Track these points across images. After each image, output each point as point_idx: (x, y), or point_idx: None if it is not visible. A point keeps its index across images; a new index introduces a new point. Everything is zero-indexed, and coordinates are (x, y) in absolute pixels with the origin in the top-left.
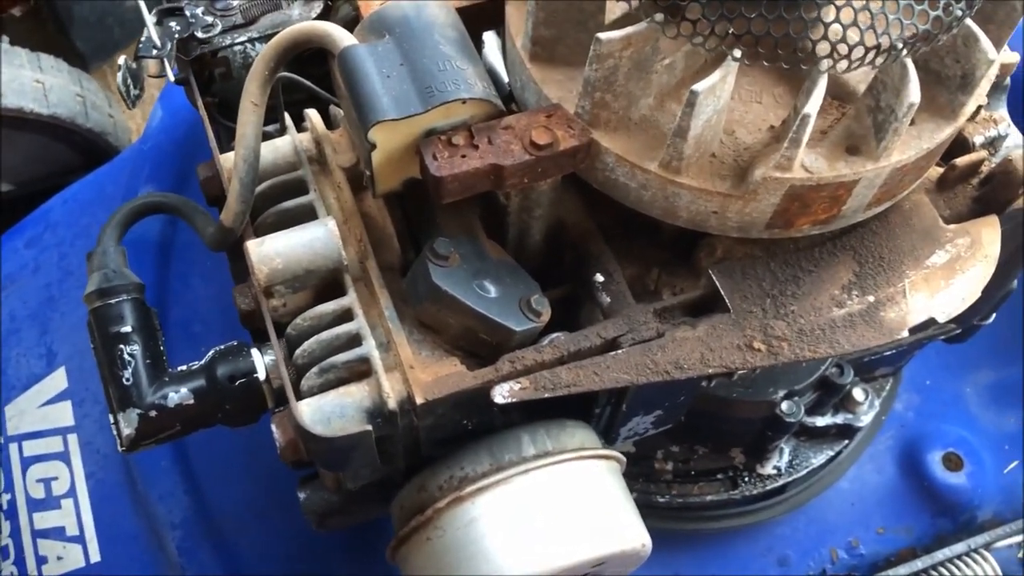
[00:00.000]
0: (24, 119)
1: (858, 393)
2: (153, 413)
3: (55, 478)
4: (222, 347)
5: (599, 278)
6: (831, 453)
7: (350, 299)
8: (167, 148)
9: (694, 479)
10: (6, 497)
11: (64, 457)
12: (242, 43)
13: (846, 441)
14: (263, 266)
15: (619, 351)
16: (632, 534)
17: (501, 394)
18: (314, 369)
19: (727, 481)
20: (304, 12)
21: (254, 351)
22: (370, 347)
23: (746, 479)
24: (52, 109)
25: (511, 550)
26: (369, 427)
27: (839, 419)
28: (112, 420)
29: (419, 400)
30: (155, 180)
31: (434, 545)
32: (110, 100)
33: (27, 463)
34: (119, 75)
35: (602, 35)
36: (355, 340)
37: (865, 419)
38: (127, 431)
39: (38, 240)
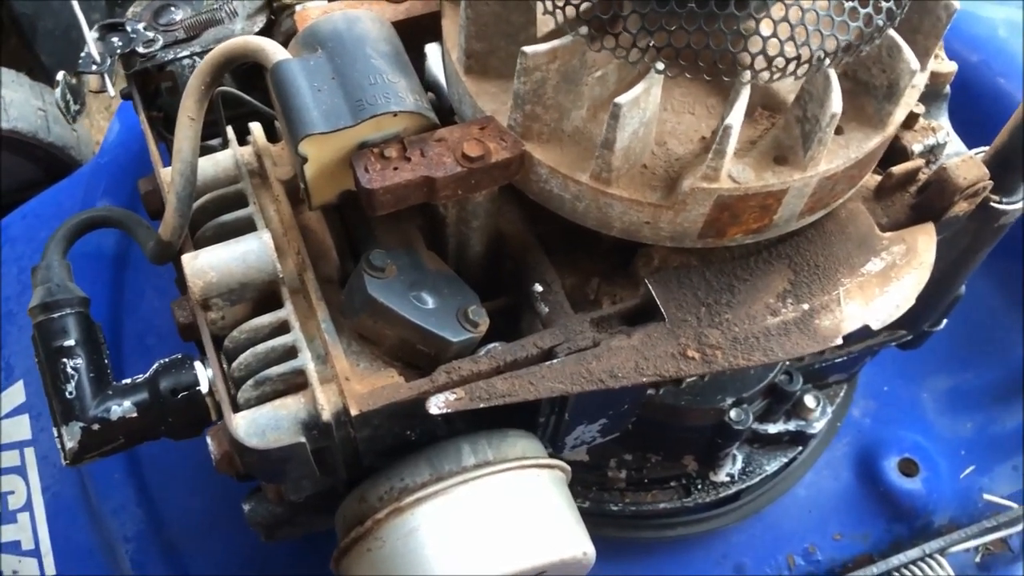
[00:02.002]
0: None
1: (809, 400)
2: (96, 427)
3: (11, 492)
4: (166, 360)
5: (538, 288)
6: (785, 460)
7: (286, 311)
8: (124, 162)
9: (647, 487)
10: None
11: (21, 471)
12: (183, 57)
13: (800, 448)
14: (197, 279)
15: (555, 360)
16: (573, 542)
17: (436, 405)
18: (250, 382)
19: (680, 489)
20: (247, 27)
21: (197, 364)
22: (306, 359)
23: (699, 486)
24: (12, 123)
25: (451, 559)
26: (302, 439)
27: (791, 426)
28: (56, 433)
29: (354, 411)
30: (111, 194)
31: (374, 556)
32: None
33: None
34: (57, 91)
35: (528, 48)
36: (291, 352)
37: (818, 426)
38: (70, 444)
39: None
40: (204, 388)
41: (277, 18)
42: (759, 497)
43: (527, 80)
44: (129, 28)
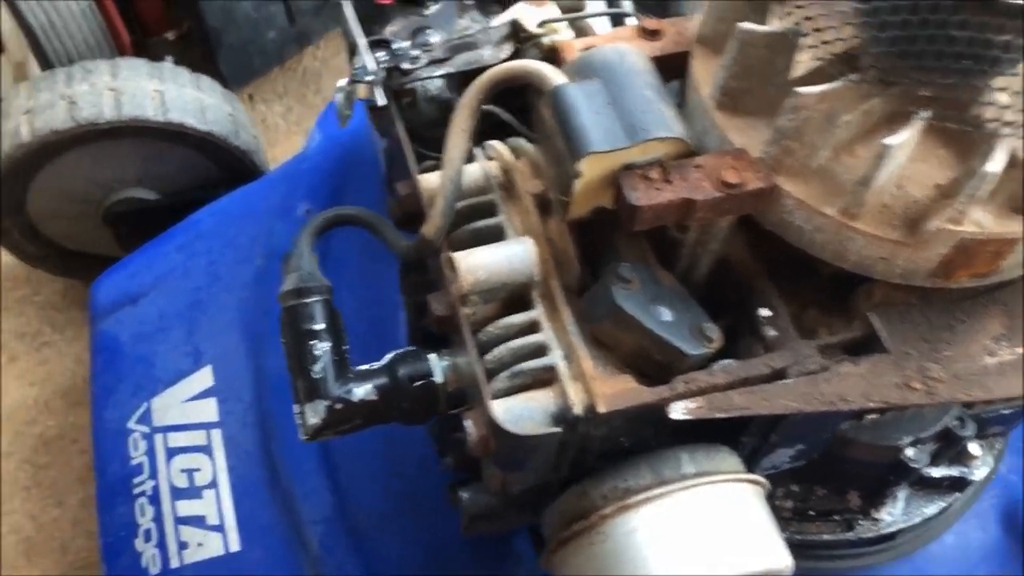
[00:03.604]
0: (184, 134)
1: (974, 447)
2: (339, 406)
3: (198, 469)
4: (400, 351)
5: (765, 313)
6: (943, 504)
7: (537, 312)
8: (324, 168)
9: (811, 519)
10: (151, 484)
11: (207, 450)
12: (438, 76)
13: (957, 494)
14: (469, 275)
15: (787, 380)
16: (779, 555)
17: (678, 411)
18: (505, 373)
19: (843, 523)
20: (495, 53)
21: (432, 356)
22: (556, 357)
23: (861, 522)
24: (209, 126)
25: (668, 560)
26: (558, 429)
27: (954, 471)
28: (297, 410)
29: (601, 409)
30: (311, 197)
31: (596, 550)
32: (254, 121)
33: (171, 453)
34: (338, 96)
35: (801, 89)
36: (541, 350)
37: (979, 473)
38: (313, 420)
39: (188, 247)
40: (439, 379)
41: (522, 47)
42: (913, 540)
43: (793, 117)
44: (395, 46)
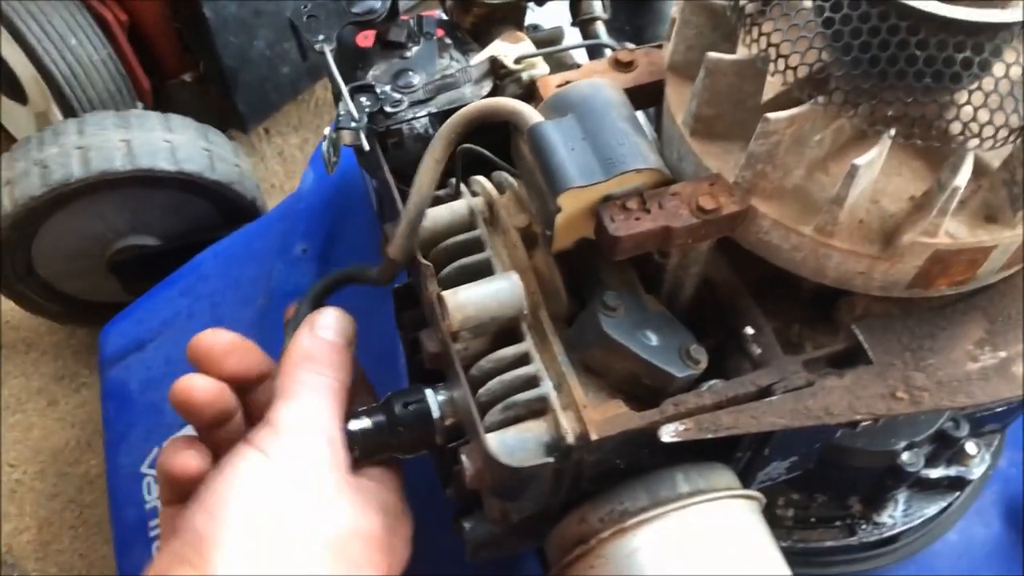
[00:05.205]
0: (158, 178)
1: (971, 447)
2: None
3: None
4: (398, 390)
5: (750, 331)
6: (943, 504)
7: (527, 344)
8: (319, 208)
9: (813, 526)
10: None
11: None
12: (421, 117)
13: (957, 493)
14: (458, 313)
15: (773, 398)
16: (779, 569)
17: (668, 433)
18: (498, 406)
19: (845, 528)
20: (475, 91)
21: (428, 391)
22: (548, 388)
23: (863, 526)
24: (180, 165)
25: None
26: (551, 459)
27: (952, 471)
28: None
29: (593, 436)
30: (308, 236)
31: (596, 572)
32: (236, 152)
33: None
34: (323, 144)
35: (770, 115)
36: (532, 381)
37: (977, 472)
38: None
39: (191, 290)
40: (435, 413)
41: (502, 83)
42: (916, 540)
43: (764, 142)
44: (378, 90)
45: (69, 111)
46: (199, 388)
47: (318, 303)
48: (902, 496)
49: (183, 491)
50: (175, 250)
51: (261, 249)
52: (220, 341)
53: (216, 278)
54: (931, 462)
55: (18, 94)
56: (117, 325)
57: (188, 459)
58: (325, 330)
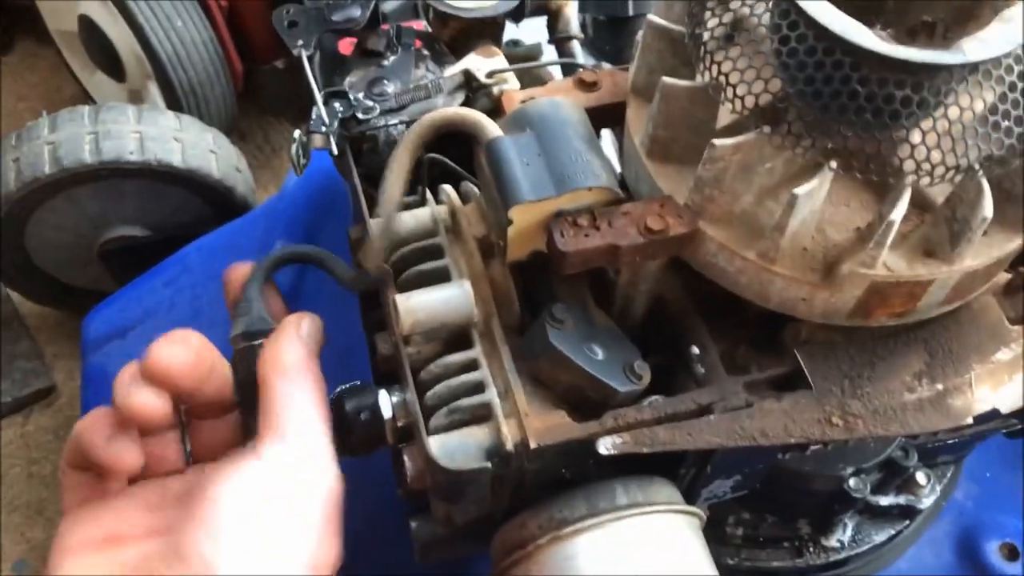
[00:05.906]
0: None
1: (921, 476)
2: None
3: None
4: (347, 385)
5: (695, 350)
6: (892, 532)
7: (476, 351)
8: (301, 206)
9: (761, 545)
10: None
11: None
12: (393, 125)
13: (907, 521)
14: (408, 317)
15: (711, 416)
16: None
17: (605, 446)
18: (443, 410)
19: (793, 550)
20: (448, 102)
21: (381, 391)
22: (492, 394)
23: (811, 549)
24: (188, 163)
25: None
26: (489, 464)
27: (901, 500)
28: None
29: (532, 445)
30: (288, 234)
31: None
32: (238, 155)
33: None
34: (293, 147)
35: (716, 141)
36: (479, 387)
37: (927, 501)
38: None
39: (175, 281)
40: (387, 414)
41: (474, 96)
42: (864, 566)
43: (711, 167)
44: (351, 97)
45: (168, 90)
46: (151, 406)
47: (276, 268)
48: (851, 521)
49: (92, 465)
50: (163, 241)
51: (244, 245)
52: (177, 362)
53: (199, 271)
54: (880, 489)
55: (116, 71)
56: (100, 312)
57: (123, 451)
58: (310, 340)
